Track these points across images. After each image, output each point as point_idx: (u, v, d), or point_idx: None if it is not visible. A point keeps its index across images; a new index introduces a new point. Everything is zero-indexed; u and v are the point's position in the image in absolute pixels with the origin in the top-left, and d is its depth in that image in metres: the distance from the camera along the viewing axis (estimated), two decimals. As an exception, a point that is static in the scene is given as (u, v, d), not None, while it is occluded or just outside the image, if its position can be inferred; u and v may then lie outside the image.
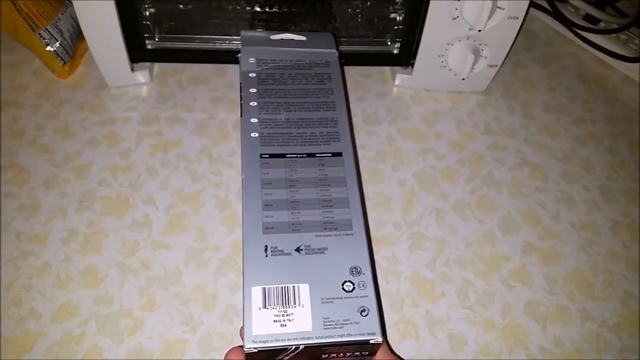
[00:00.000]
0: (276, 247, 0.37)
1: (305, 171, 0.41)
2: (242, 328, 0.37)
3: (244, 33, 0.50)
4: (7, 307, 0.46)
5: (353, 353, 0.35)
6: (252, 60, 0.48)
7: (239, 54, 0.48)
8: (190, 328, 0.46)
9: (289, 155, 0.42)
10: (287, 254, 0.37)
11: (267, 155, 0.42)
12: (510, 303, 0.49)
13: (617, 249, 0.53)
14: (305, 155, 0.42)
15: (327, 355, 0.35)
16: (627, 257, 0.52)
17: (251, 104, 0.45)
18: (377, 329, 0.34)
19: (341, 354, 0.35)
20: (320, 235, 0.38)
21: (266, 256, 0.37)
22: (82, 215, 0.52)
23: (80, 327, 0.46)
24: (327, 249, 0.37)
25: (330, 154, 0.42)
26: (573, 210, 0.55)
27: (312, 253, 0.37)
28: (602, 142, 0.61)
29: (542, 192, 0.56)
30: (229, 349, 0.37)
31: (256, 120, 0.44)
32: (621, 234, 0.54)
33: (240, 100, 0.45)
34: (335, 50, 0.49)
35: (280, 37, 0.50)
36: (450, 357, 0.46)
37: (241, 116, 0.44)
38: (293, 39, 0.50)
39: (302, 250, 0.37)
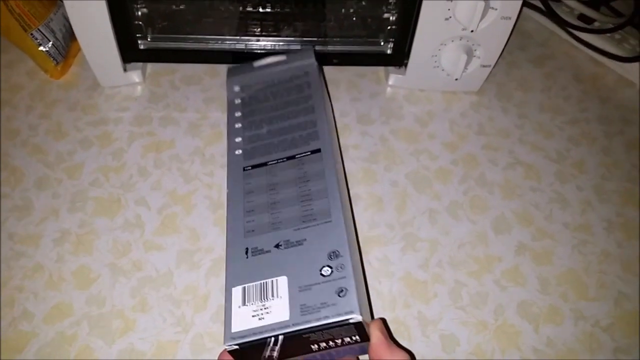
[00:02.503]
0: (256, 248, 0.38)
1: (286, 173, 0.42)
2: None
3: (229, 68, 0.53)
4: (0, 308, 0.46)
5: (343, 339, 0.35)
6: (236, 88, 0.51)
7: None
8: (182, 329, 0.46)
9: (270, 163, 0.43)
10: (267, 251, 0.37)
11: (250, 167, 0.44)
12: (503, 304, 0.49)
13: (611, 250, 0.53)
14: (285, 159, 0.43)
15: (317, 347, 0.35)
16: (621, 257, 0.52)
17: (236, 126, 0.47)
18: (355, 307, 0.33)
19: (331, 342, 0.35)
20: (299, 229, 0.38)
21: (247, 258, 0.37)
22: (74, 215, 0.52)
23: (72, 328, 0.46)
24: (305, 240, 0.38)
25: (309, 152, 0.43)
26: (567, 210, 0.55)
27: (291, 246, 0.37)
28: (596, 142, 0.61)
29: (536, 192, 0.56)
30: (221, 350, 0.36)
31: (240, 139, 0.46)
32: (615, 234, 0.54)
33: (227, 125, 0.48)
34: (313, 61, 0.51)
35: (263, 63, 0.52)
36: (442, 357, 0.46)
37: (228, 138, 0.46)
38: (274, 61, 0.52)
39: (281, 245, 0.38)
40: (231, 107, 0.49)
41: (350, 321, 0.33)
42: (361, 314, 0.33)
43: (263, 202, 0.41)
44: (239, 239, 0.39)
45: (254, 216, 0.40)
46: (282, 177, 0.42)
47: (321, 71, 0.51)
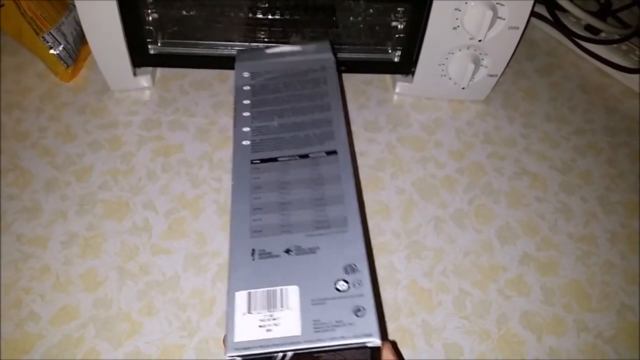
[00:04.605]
0: (264, 250, 0.35)
1: (298, 172, 0.39)
2: (225, 337, 0.35)
3: (238, 51, 0.50)
4: (7, 309, 0.47)
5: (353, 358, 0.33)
6: (246, 74, 0.47)
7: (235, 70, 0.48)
8: (188, 333, 0.46)
9: (281, 159, 0.40)
10: (276, 256, 0.35)
11: (258, 161, 0.40)
12: (507, 313, 0.49)
13: (615, 261, 0.53)
14: (297, 157, 0.40)
15: None
16: (624, 269, 0.52)
17: (244, 114, 0.44)
18: (375, 330, 0.31)
19: None
20: (311, 235, 0.36)
21: (253, 260, 0.34)
22: (82, 218, 0.52)
23: (79, 331, 0.46)
24: (319, 248, 0.35)
25: (324, 153, 0.41)
26: (571, 221, 0.55)
27: (302, 254, 0.35)
28: (601, 153, 0.61)
29: (541, 202, 0.57)
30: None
31: (248, 129, 0.43)
32: (619, 246, 0.54)
33: (234, 112, 0.44)
34: (331, 55, 0.48)
35: (276, 50, 0.49)
36: (445, 366, 0.46)
37: (234, 127, 0.43)
38: (288, 50, 0.49)
39: (291, 251, 0.35)
40: (239, 94, 0.46)
41: (368, 345, 0.31)
42: (380, 337, 0.31)
43: (273, 200, 0.38)
44: (244, 238, 0.36)
45: (262, 215, 0.37)
46: (295, 176, 0.39)
47: (338, 68, 0.48)
